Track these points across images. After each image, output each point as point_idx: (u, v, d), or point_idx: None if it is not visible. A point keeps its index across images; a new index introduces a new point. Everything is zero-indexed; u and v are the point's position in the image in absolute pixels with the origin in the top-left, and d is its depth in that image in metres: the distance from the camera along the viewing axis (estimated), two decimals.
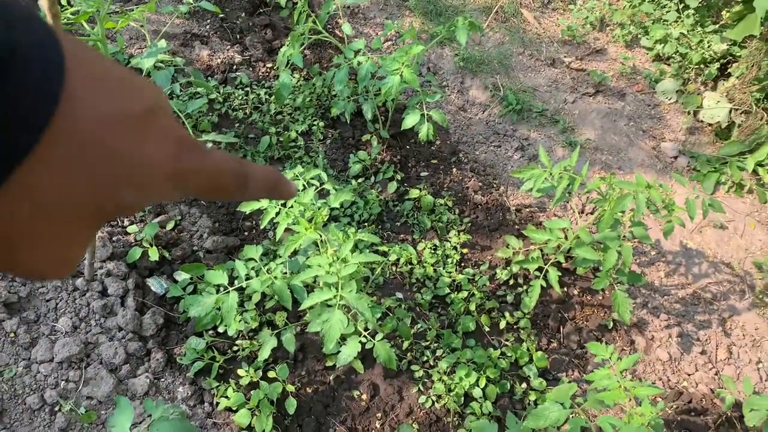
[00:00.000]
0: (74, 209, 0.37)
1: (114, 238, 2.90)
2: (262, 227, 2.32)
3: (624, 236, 3.01)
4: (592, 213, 3.89)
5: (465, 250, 3.44)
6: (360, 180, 3.58)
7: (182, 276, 2.83)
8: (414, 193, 3.56)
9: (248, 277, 2.25)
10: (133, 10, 2.66)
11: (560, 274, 3.12)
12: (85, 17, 2.41)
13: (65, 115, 0.34)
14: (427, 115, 3.31)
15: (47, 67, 0.34)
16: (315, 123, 3.79)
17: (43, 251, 0.38)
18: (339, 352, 2.33)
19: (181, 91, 3.43)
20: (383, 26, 4.83)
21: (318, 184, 2.40)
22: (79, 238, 0.40)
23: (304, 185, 2.37)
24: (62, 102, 0.34)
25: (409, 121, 3.28)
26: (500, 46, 4.90)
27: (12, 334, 2.43)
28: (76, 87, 0.35)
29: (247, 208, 2.25)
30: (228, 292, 2.22)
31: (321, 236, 2.10)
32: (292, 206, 2.15)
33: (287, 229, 2.25)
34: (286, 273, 2.27)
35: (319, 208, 2.15)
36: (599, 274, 3.00)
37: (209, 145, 2.56)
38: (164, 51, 2.89)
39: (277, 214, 2.16)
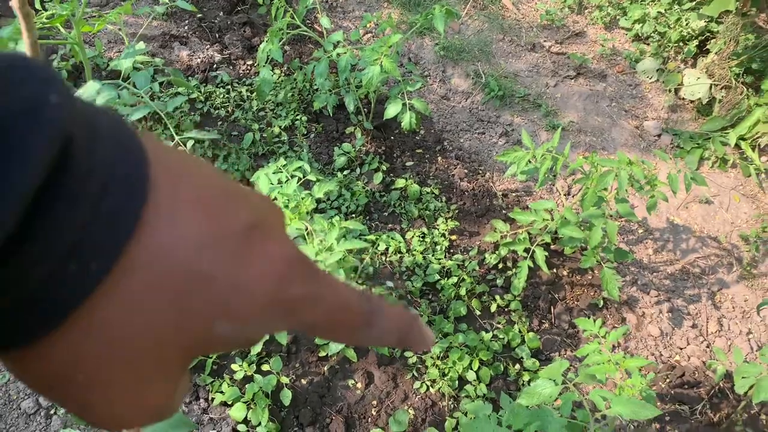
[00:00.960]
0: (155, 347, 0.30)
1: None
2: None
3: (610, 215, 3.04)
4: (578, 195, 3.92)
5: (453, 237, 3.46)
6: (345, 172, 3.59)
7: None
8: (400, 182, 3.57)
9: None
10: (109, 14, 2.66)
11: (547, 254, 3.15)
12: (61, 20, 2.40)
13: (146, 235, 0.29)
14: (409, 104, 3.32)
15: (129, 178, 0.29)
16: (298, 118, 3.79)
17: (120, 397, 0.31)
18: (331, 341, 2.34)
19: (161, 91, 3.43)
20: (362, 19, 4.83)
21: (301, 175, 2.41)
22: (165, 380, 0.33)
23: (287, 177, 2.38)
24: (144, 218, 0.29)
25: (391, 110, 3.29)
26: (480, 33, 4.91)
27: None
28: (161, 202, 0.30)
29: None
30: None
31: (307, 226, 2.11)
32: (275, 198, 2.16)
33: None
34: None
35: (302, 199, 2.16)
36: (586, 252, 3.03)
37: (191, 143, 2.56)
38: (143, 53, 2.89)
39: None
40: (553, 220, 3.10)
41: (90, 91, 2.46)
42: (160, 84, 3.37)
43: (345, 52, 3.29)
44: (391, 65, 3.15)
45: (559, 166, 2.96)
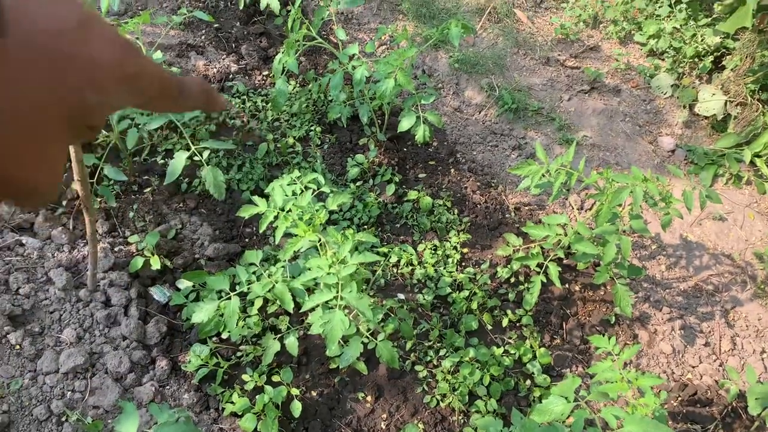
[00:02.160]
0: (45, 114, 0.41)
1: (116, 248, 2.92)
2: (261, 231, 2.34)
3: (623, 231, 3.02)
4: (591, 209, 3.90)
5: (465, 250, 3.45)
6: (358, 183, 3.59)
7: (184, 284, 2.85)
8: (412, 194, 3.58)
9: (249, 282, 2.27)
10: (128, 23, 2.69)
11: (560, 269, 3.13)
12: None
13: (10, 25, 0.39)
14: (423, 116, 3.33)
15: None
16: (312, 128, 3.81)
17: (26, 157, 0.41)
18: (342, 353, 2.34)
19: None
20: (377, 31, 4.85)
21: (315, 187, 2.42)
22: (58, 141, 0.44)
23: (301, 189, 2.39)
24: (5, 14, 0.39)
25: (405, 123, 3.30)
26: (494, 46, 4.92)
27: (17, 347, 2.45)
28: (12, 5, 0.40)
29: (246, 213, 2.26)
30: (230, 297, 2.23)
31: (320, 238, 2.11)
32: (290, 210, 2.17)
33: (286, 234, 2.27)
34: (286, 277, 2.29)
35: (317, 211, 2.17)
36: (599, 268, 3.01)
37: (207, 152, 2.58)
38: (160, 62, 2.92)
39: (276, 218, 2.18)
40: (566, 235, 3.09)
41: None
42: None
43: (360, 65, 3.31)
44: (405, 78, 3.16)
45: (573, 181, 2.95)
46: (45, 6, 0.42)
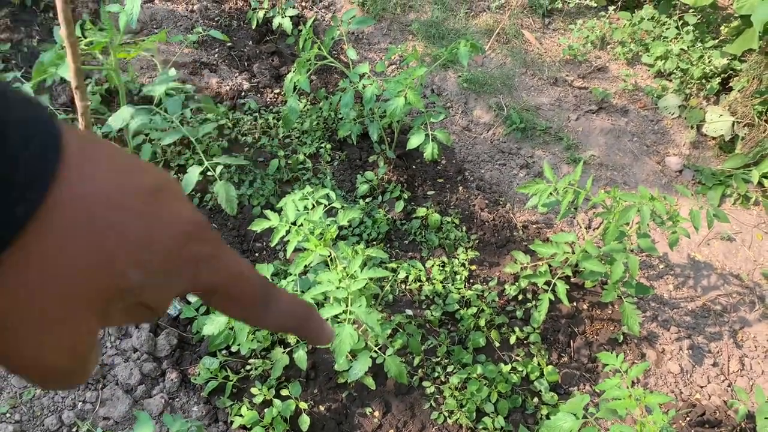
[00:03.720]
0: (75, 289, 0.34)
1: None
2: (272, 245, 2.37)
3: (631, 249, 3.04)
4: (598, 228, 3.92)
5: (473, 267, 3.47)
6: (367, 200, 3.63)
7: (195, 297, 2.88)
8: (421, 211, 3.61)
9: None
10: (144, 41, 2.75)
11: (568, 287, 3.14)
12: (99, 47, 2.50)
13: (63, 186, 0.34)
14: (432, 134, 3.37)
15: (44, 140, 0.33)
16: (322, 146, 3.86)
17: (44, 338, 0.35)
18: (350, 368, 2.36)
19: (192, 116, 3.52)
20: (387, 51, 4.92)
21: (326, 203, 2.46)
22: (84, 325, 0.36)
23: (313, 204, 2.43)
24: (60, 173, 0.34)
25: (414, 141, 3.34)
26: (502, 66, 4.98)
27: None
28: (75, 161, 0.35)
29: (258, 227, 2.30)
30: None
31: (330, 253, 2.14)
32: (301, 224, 2.20)
33: (297, 249, 2.30)
34: (296, 291, 2.31)
35: (328, 225, 2.20)
36: (607, 286, 3.02)
37: (219, 168, 2.62)
38: (174, 79, 2.98)
39: (288, 232, 2.21)
40: (574, 253, 3.11)
41: (124, 115, 2.55)
42: (191, 110, 3.45)
43: (371, 84, 3.36)
44: (415, 97, 3.21)
45: (581, 199, 2.97)
46: (112, 169, 0.37)
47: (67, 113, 3.40)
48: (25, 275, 0.33)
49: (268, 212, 2.28)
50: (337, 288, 2.04)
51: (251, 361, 2.74)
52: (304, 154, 3.78)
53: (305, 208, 2.42)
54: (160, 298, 0.41)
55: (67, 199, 0.34)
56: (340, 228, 3.39)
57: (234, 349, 2.72)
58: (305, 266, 2.15)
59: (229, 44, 4.39)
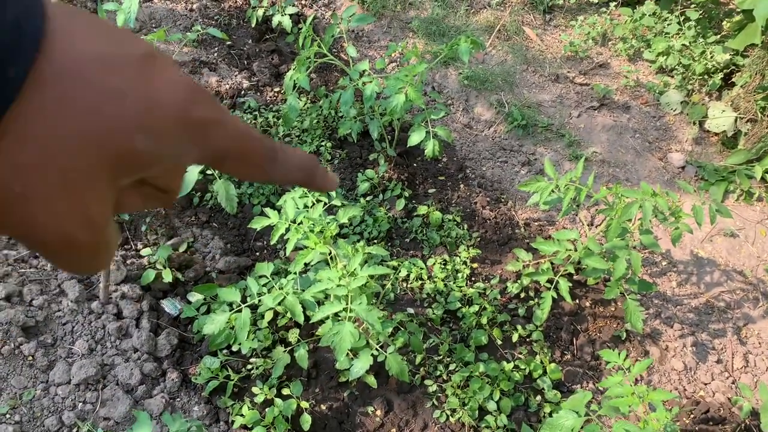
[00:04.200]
0: (79, 152, 0.34)
1: (128, 261, 2.94)
2: (272, 243, 2.36)
3: (633, 246, 3.02)
4: (601, 225, 3.90)
5: (475, 265, 3.45)
6: (368, 198, 3.62)
7: (195, 297, 2.87)
8: (422, 209, 3.59)
9: (260, 294, 2.28)
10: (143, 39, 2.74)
11: (571, 285, 3.12)
12: None
13: (51, 50, 0.33)
14: (433, 132, 3.35)
15: (27, 7, 0.32)
16: (323, 144, 3.84)
17: (60, 207, 0.34)
18: (351, 366, 2.35)
19: None
20: (387, 48, 4.90)
21: (326, 200, 2.44)
22: (94, 190, 0.36)
23: (312, 202, 2.41)
24: (49, 37, 0.33)
25: (415, 138, 3.33)
26: (503, 63, 4.96)
27: (30, 358, 2.47)
28: (64, 26, 0.34)
29: (257, 224, 2.29)
30: (240, 309, 2.25)
31: (330, 251, 2.13)
32: (301, 222, 2.19)
33: (297, 247, 2.29)
34: (297, 289, 2.30)
35: (328, 223, 2.19)
36: (610, 283, 3.01)
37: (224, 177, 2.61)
38: None
39: (287, 230, 2.20)
40: (576, 250, 3.09)
41: None
42: None
43: (371, 81, 3.35)
44: (415, 94, 3.19)
45: (583, 196, 2.95)
46: (102, 36, 0.36)
47: None
48: (26, 138, 0.32)
49: (267, 210, 2.27)
50: (338, 286, 2.02)
51: (252, 360, 2.72)
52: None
53: (305, 206, 2.40)
54: (172, 173, 0.41)
55: (59, 62, 0.33)
56: (341, 226, 3.37)
57: (235, 348, 2.70)
58: (305, 264, 2.13)
59: (228, 43, 4.38)
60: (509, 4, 5.36)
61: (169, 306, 2.85)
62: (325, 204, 2.38)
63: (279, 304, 2.23)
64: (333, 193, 2.46)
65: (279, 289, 2.28)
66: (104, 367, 2.54)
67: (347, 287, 2.01)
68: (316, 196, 2.43)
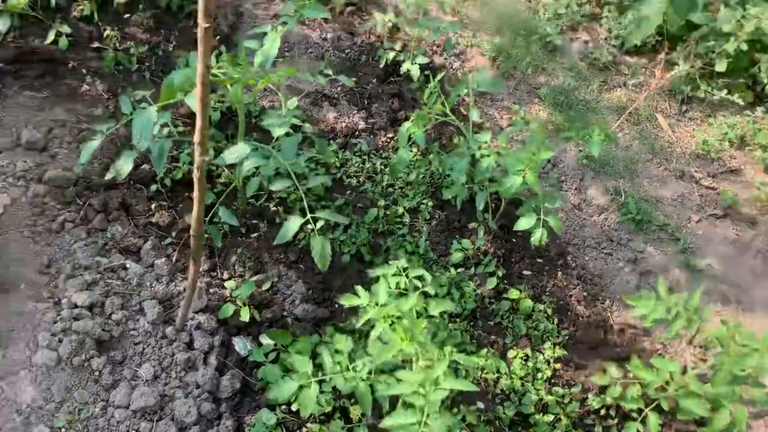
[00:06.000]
0: None
1: (211, 290, 2.92)
2: (358, 325, 2.25)
3: (740, 397, 2.72)
4: (702, 347, 3.58)
5: (558, 366, 3.23)
6: (459, 270, 3.46)
7: (267, 341, 2.81)
8: (513, 293, 3.40)
9: (334, 372, 2.18)
10: (274, 72, 2.71)
11: (661, 423, 2.84)
12: (230, 81, 2.48)
13: None
14: (544, 219, 3.17)
15: None
16: (424, 201, 3.73)
17: None
18: None
19: (305, 164, 3.45)
20: (509, 109, 4.76)
21: (420, 285, 2.32)
22: None
23: (405, 284, 2.30)
24: None
25: (524, 223, 3.15)
26: (628, 149, 4.69)
27: (97, 373, 2.47)
28: None
29: (347, 302, 2.19)
30: (310, 382, 2.15)
31: (416, 350, 1.99)
32: (390, 315, 2.07)
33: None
34: (371, 374, 2.17)
35: (417, 317, 2.06)
36: (705, 430, 2.71)
37: (320, 223, 2.53)
38: (294, 110, 2.96)
39: (374, 316, 2.09)
40: (673, 380, 2.81)
41: (240, 152, 2.51)
42: (306, 161, 3.41)
43: (488, 155, 3.21)
44: (533, 179, 3.03)
45: (695, 328, 2.70)
46: None
47: (185, 125, 3.44)
48: None
49: (359, 290, 2.17)
50: (416, 393, 1.88)
51: (309, 425, 2.62)
52: (404, 208, 3.66)
53: (397, 285, 2.29)
54: None
55: None
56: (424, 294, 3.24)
57: (294, 408, 2.61)
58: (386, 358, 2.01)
59: (353, 78, 4.35)
60: (646, 87, 5.09)
61: (240, 345, 2.80)
62: (419, 291, 2.26)
63: (350, 387, 2.11)
64: (428, 278, 2.33)
65: (353, 369, 2.17)
66: (164, 398, 2.50)
67: (426, 397, 1.87)
68: (411, 277, 2.31)
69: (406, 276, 2.32)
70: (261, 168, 2.66)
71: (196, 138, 1.68)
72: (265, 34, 2.61)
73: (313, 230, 2.57)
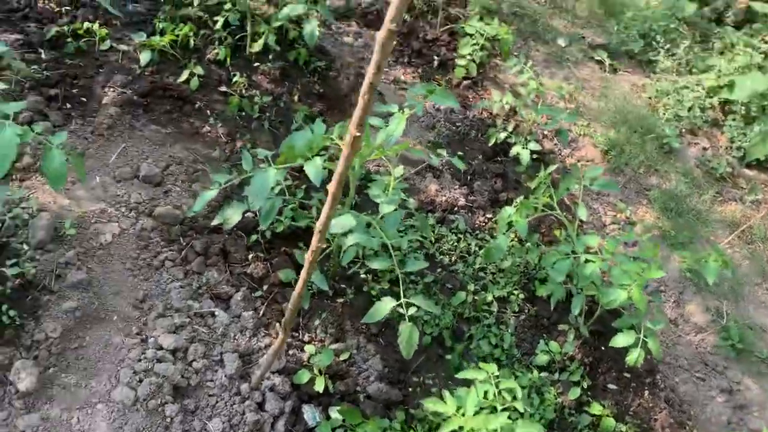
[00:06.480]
0: None
1: (290, 351, 2.90)
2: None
3: None
4: None
5: None
6: (542, 373, 3.30)
7: (336, 415, 2.74)
8: (596, 408, 3.20)
9: None
10: (390, 148, 2.71)
11: None
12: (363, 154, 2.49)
13: None
14: (643, 340, 2.98)
15: None
16: (515, 292, 3.61)
17: None
18: None
19: (407, 246, 3.41)
20: (615, 206, 4.59)
21: (509, 398, 2.21)
22: None
23: (494, 394, 2.19)
24: None
25: (621, 341, 2.98)
26: (737, 268, 4.41)
27: (168, 419, 2.47)
28: None
29: (431, 405, 2.11)
30: None
31: None
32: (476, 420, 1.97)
33: None
34: None
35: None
36: None
37: (412, 310, 2.47)
38: (400, 184, 2.95)
39: (460, 428, 1.99)
40: None
41: (344, 224, 2.50)
42: (408, 242, 3.38)
43: (594, 262, 3.07)
44: (639, 297, 2.86)
45: None
46: None
47: (293, 178, 3.49)
48: None
49: (446, 395, 2.08)
50: None
51: None
52: (493, 296, 3.55)
53: (485, 395, 2.19)
54: None
55: None
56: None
57: None
58: None
59: (459, 153, 4.33)
60: (764, 206, 4.80)
61: (310, 414, 2.75)
62: (505, 402, 2.14)
63: None
64: (519, 393, 2.21)
65: None
66: None
67: None
68: (501, 389, 2.20)
69: (497, 386, 2.21)
70: (366, 244, 2.63)
71: (320, 225, 1.67)
72: (391, 114, 2.62)
73: (402, 316, 2.51)
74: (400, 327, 2.51)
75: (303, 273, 1.89)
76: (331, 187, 1.50)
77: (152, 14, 3.98)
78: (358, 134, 1.31)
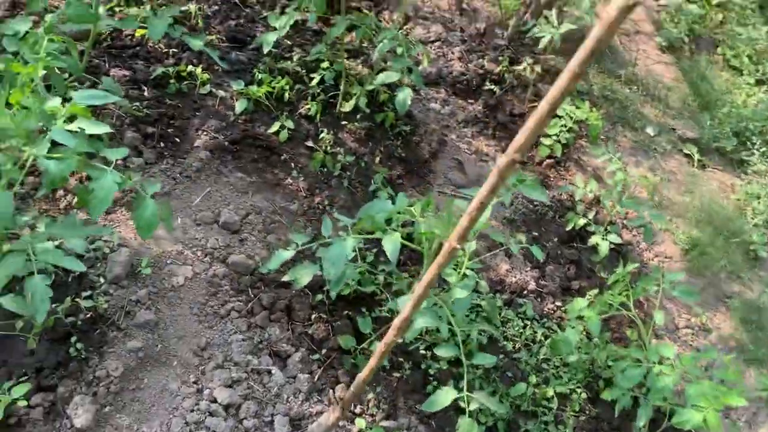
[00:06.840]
0: None
1: (340, 423, 2.83)
2: None
3: None
4: None
5: None
6: None
7: None
8: None
9: None
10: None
11: None
12: (428, 234, 2.46)
13: None
14: None
15: None
16: (577, 390, 3.44)
17: None
18: None
19: (477, 336, 3.32)
20: (690, 308, 4.37)
21: None
22: None
23: None
24: None
25: None
26: None
27: None
28: None
29: None
30: None
31: None
32: None
33: None
34: None
35: None
36: None
37: (475, 405, 2.37)
38: (475, 264, 2.89)
39: None
40: None
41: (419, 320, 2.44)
42: (477, 331, 3.30)
43: (668, 374, 2.90)
44: (716, 423, 2.67)
45: None
46: None
47: (367, 247, 3.47)
48: None
49: None
50: None
51: None
52: (555, 391, 3.39)
53: None
54: None
55: None
56: None
57: None
58: None
59: (534, 233, 4.24)
60: None
61: None
62: None
63: None
64: None
65: None
66: None
67: None
68: None
69: None
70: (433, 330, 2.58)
71: (399, 322, 1.63)
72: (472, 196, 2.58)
73: (462, 409, 2.41)
74: (459, 419, 2.42)
75: (372, 361, 1.84)
76: (419, 288, 1.46)
77: (252, 64, 4.11)
78: (457, 246, 1.27)
